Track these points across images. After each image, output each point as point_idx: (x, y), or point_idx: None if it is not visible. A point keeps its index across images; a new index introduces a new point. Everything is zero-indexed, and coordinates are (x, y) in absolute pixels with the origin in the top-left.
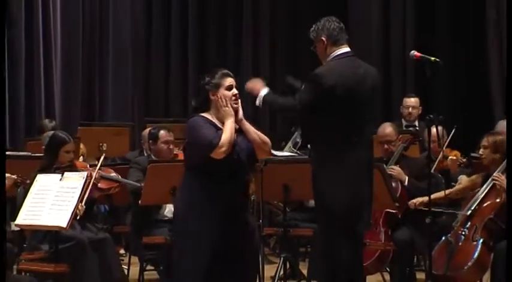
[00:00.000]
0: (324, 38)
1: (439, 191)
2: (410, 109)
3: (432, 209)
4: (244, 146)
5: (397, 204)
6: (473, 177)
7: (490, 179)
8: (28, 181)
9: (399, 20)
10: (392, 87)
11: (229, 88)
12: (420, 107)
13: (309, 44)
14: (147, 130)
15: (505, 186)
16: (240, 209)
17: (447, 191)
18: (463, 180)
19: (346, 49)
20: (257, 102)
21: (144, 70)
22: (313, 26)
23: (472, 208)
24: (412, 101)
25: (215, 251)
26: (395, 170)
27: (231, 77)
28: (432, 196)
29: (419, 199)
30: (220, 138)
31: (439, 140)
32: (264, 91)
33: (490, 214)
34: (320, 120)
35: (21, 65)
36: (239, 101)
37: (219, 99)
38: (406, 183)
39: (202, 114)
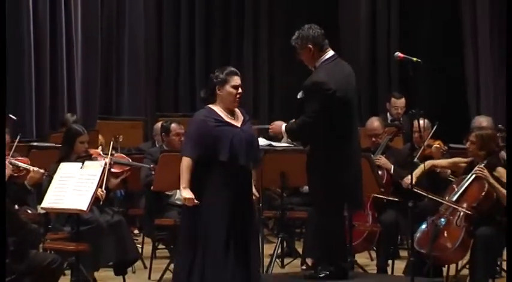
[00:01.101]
0: (310, 46)
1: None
2: (399, 109)
3: (417, 190)
4: (245, 138)
5: (382, 189)
6: (457, 159)
7: (473, 171)
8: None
9: (384, 24)
10: (378, 85)
11: (235, 87)
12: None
13: None
14: (159, 123)
15: (489, 179)
16: (244, 196)
17: (432, 162)
18: (444, 160)
19: (331, 53)
20: (284, 137)
21: (156, 70)
22: (296, 34)
23: (457, 195)
24: (401, 101)
25: (222, 234)
26: (381, 159)
27: (238, 75)
28: (418, 170)
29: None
30: (186, 153)
31: (420, 132)
32: (283, 126)
33: (473, 203)
34: (327, 120)
35: (46, 66)
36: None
37: None
38: (391, 171)
39: (210, 105)
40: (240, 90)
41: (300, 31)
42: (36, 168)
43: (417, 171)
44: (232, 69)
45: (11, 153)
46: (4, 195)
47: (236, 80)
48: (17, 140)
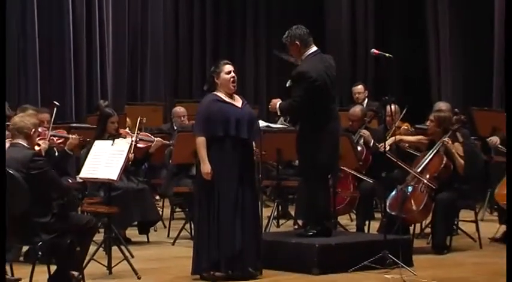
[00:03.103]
0: (297, 42)
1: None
2: (357, 95)
3: (389, 156)
4: (246, 116)
5: (360, 163)
6: (421, 137)
7: (436, 145)
8: (88, 139)
9: (362, 24)
10: (357, 76)
11: (228, 73)
12: (366, 91)
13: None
14: (176, 108)
15: (451, 149)
16: (248, 165)
17: (399, 137)
18: (411, 136)
19: (314, 48)
20: (278, 113)
21: (173, 63)
22: (286, 33)
23: (422, 167)
24: (359, 88)
25: (233, 197)
26: (366, 133)
27: (229, 64)
28: (389, 141)
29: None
30: (198, 133)
31: (392, 115)
32: (277, 104)
33: (434, 173)
34: (310, 103)
35: (83, 61)
36: (236, 82)
37: None
38: (371, 143)
39: (215, 92)
40: (233, 74)
41: (289, 30)
42: (73, 136)
43: (389, 141)
44: (224, 60)
45: (50, 130)
46: (4, 194)
47: (228, 68)
48: (52, 118)
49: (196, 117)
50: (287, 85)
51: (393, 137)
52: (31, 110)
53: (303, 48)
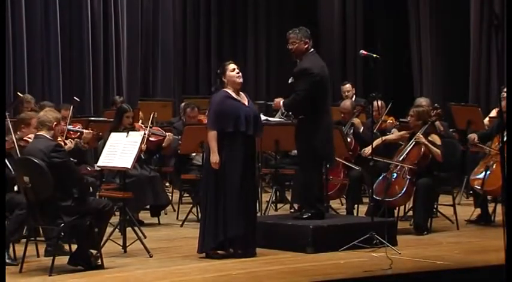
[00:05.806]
0: (307, 40)
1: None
2: (346, 93)
3: (375, 158)
4: (252, 113)
5: (350, 152)
6: (402, 132)
7: (413, 138)
8: (100, 133)
9: (352, 29)
10: (347, 74)
11: (232, 70)
12: (353, 89)
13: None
14: (184, 103)
15: (425, 142)
16: (252, 158)
17: (384, 138)
18: (395, 132)
19: (312, 49)
20: (282, 109)
21: (181, 63)
22: (296, 29)
23: (403, 156)
24: (347, 86)
25: (238, 183)
26: (356, 121)
27: (232, 63)
28: (374, 143)
29: (369, 149)
30: (211, 128)
31: (378, 110)
32: (282, 101)
33: (414, 161)
34: (311, 97)
35: (100, 60)
36: (241, 76)
37: None
38: (361, 130)
39: (224, 89)
40: (237, 70)
41: (300, 28)
42: (87, 130)
43: (375, 143)
44: (227, 61)
45: (67, 125)
46: (4, 194)
47: (232, 66)
48: (70, 114)
49: (209, 112)
50: (289, 82)
51: (379, 139)
52: (48, 107)
53: (308, 48)
